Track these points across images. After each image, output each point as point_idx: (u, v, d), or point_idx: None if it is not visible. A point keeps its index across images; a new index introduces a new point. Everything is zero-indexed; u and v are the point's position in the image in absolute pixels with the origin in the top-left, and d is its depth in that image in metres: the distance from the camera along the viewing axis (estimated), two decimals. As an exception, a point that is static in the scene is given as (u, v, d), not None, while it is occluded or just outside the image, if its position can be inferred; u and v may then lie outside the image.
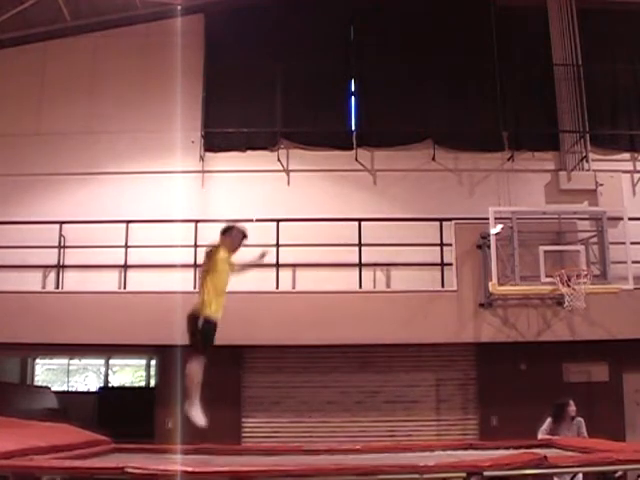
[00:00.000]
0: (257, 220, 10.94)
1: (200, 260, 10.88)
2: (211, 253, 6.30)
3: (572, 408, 8.00)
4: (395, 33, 12.28)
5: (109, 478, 4.76)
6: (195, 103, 12.01)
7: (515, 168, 11.97)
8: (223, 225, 6.59)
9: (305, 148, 12.04)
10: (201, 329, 6.05)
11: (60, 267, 11.22)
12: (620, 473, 5.57)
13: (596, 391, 10.12)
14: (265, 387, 10.46)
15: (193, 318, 6.12)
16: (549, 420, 8.02)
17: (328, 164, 11.92)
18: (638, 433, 10.05)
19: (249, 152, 12.02)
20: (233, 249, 6.48)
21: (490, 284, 9.59)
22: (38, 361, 16.97)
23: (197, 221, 11.09)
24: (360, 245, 10.81)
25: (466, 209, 11.01)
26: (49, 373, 19.48)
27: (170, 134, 11.77)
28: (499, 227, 9.67)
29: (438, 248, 10.84)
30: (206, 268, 6.29)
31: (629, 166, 12.08)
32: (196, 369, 6.14)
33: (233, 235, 6.48)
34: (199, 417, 6.04)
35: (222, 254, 6.31)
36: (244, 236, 6.51)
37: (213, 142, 12.05)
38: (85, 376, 20.20)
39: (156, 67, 12.16)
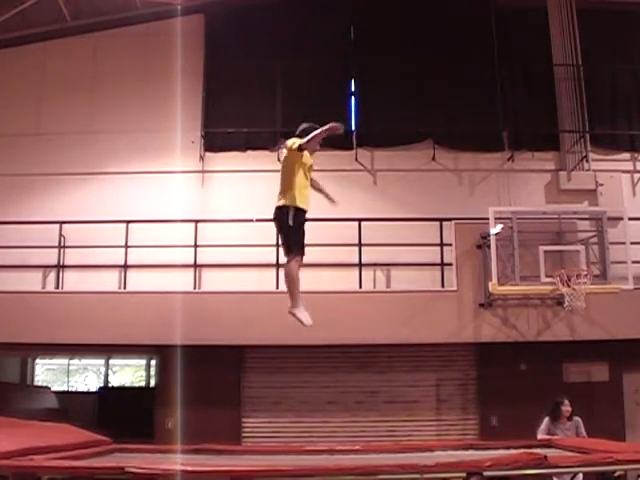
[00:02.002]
0: (257, 220, 10.98)
1: (200, 260, 11.04)
2: (293, 150, 5.99)
3: (566, 408, 7.99)
4: (395, 33, 12.28)
5: (109, 478, 4.76)
6: (195, 103, 12.02)
7: (515, 168, 11.97)
8: (303, 125, 6.27)
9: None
10: (292, 224, 5.91)
11: (60, 267, 11.23)
12: (619, 473, 5.56)
13: (596, 391, 10.12)
14: (265, 387, 10.46)
15: (281, 211, 5.96)
16: (547, 420, 8.02)
17: (328, 164, 11.88)
18: (638, 433, 10.05)
19: (249, 152, 12.02)
20: (312, 150, 6.23)
21: (490, 284, 9.59)
22: (38, 361, 16.94)
23: (197, 221, 11.11)
24: (360, 245, 10.81)
25: (466, 209, 11.01)
26: (49, 373, 19.45)
27: (170, 134, 11.77)
28: (499, 227, 9.67)
29: (438, 248, 10.85)
30: (287, 163, 6.05)
31: (629, 166, 12.08)
32: (292, 269, 6.03)
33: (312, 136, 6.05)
34: (304, 316, 6.02)
35: (299, 154, 6.04)
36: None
37: (213, 142, 12.05)
38: (85, 376, 20.18)
39: (156, 67, 12.16)
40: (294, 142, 6.06)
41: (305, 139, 5.97)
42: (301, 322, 6.04)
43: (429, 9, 12.28)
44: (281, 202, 6.06)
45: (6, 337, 9.72)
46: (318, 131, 5.92)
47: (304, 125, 6.32)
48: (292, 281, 6.03)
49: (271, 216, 11.24)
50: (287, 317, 9.83)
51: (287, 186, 6.06)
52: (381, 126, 11.99)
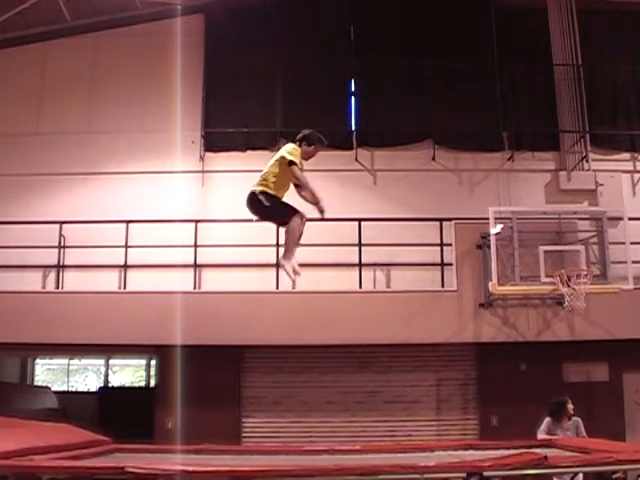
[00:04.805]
0: (257, 220, 10.97)
1: (200, 260, 11.03)
2: (289, 153, 6.01)
3: (571, 406, 8.01)
4: (395, 33, 12.29)
5: (109, 478, 4.76)
6: (195, 103, 12.02)
7: (515, 168, 11.98)
8: (303, 131, 6.30)
9: (305, 148, 12.03)
10: (269, 205, 5.95)
11: (60, 267, 11.23)
12: (619, 474, 5.56)
13: (596, 391, 10.12)
14: (265, 387, 10.45)
15: (254, 201, 6.02)
16: (547, 420, 8.02)
17: (328, 164, 11.89)
18: (638, 433, 10.04)
19: (249, 152, 12.02)
20: (307, 157, 6.25)
21: (490, 284, 9.59)
22: (38, 361, 16.95)
23: (197, 221, 11.11)
24: (360, 245, 10.81)
25: (466, 209, 11.01)
26: (49, 373, 19.46)
27: (170, 134, 11.78)
28: (499, 227, 9.67)
29: (438, 248, 10.85)
30: (278, 164, 6.04)
31: (629, 166, 12.09)
32: (296, 224, 5.97)
33: (312, 144, 6.20)
34: (293, 269, 5.92)
35: (297, 159, 6.05)
36: (322, 145, 6.28)
37: (213, 142, 12.06)
38: (85, 376, 20.19)
39: (156, 67, 12.16)
40: (290, 155, 6.02)
41: (298, 174, 5.98)
42: (289, 275, 6.00)
43: (429, 9, 12.28)
44: (254, 188, 6.07)
45: (6, 337, 9.72)
46: (310, 187, 5.99)
47: (306, 131, 6.32)
48: (293, 236, 6.00)
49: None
50: (287, 317, 9.90)
51: (267, 179, 6.07)
52: (381, 126, 11.99)
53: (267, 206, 5.99)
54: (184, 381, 9.59)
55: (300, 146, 6.20)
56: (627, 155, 12.14)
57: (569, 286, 9.22)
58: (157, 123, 11.91)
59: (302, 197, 6.17)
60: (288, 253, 5.99)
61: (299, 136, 6.27)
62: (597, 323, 9.81)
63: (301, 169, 6.11)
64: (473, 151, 12.03)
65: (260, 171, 12.45)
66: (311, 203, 6.07)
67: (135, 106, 12.13)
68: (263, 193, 5.98)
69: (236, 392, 10.36)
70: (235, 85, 12.15)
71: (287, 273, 5.97)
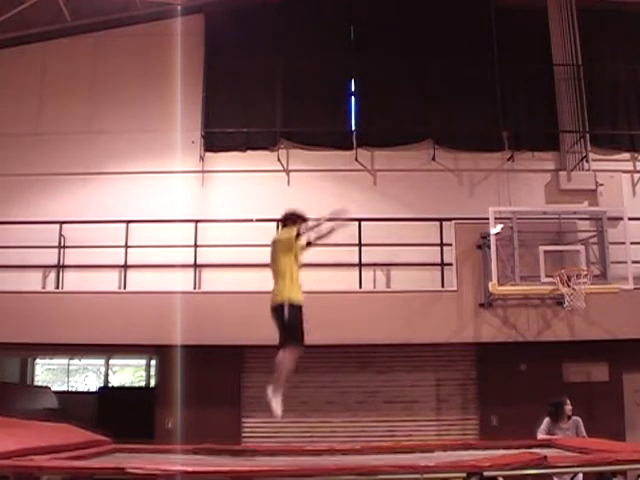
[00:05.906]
0: (257, 220, 10.99)
1: (200, 260, 11.03)
2: (291, 239, 6.05)
3: (569, 407, 8.01)
4: (395, 33, 12.29)
5: (109, 478, 4.76)
6: (195, 103, 12.02)
7: (515, 168, 11.98)
8: (286, 212, 6.36)
9: (305, 148, 12.04)
10: (288, 319, 5.88)
11: (60, 267, 11.23)
12: (619, 477, 5.55)
13: (596, 391, 10.13)
14: (265, 387, 10.42)
15: (277, 309, 5.95)
16: (547, 420, 8.02)
17: (328, 164, 11.93)
18: (638, 433, 10.05)
19: (249, 152, 12.03)
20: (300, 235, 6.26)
21: (490, 284, 9.59)
22: (38, 361, 16.94)
23: (197, 221, 11.11)
24: (360, 245, 10.81)
25: (466, 209, 11.02)
26: (49, 373, 19.45)
27: (170, 134, 11.78)
28: (499, 227, 9.67)
29: (438, 248, 10.85)
30: (284, 255, 6.03)
31: (629, 166, 12.09)
32: (288, 360, 5.95)
33: (298, 222, 6.24)
34: (277, 406, 5.88)
35: (298, 239, 6.12)
36: (304, 220, 6.29)
37: (213, 142, 12.06)
38: (85, 376, 20.18)
39: (156, 67, 12.16)
40: (291, 231, 6.09)
41: (310, 224, 6.10)
42: (272, 410, 5.90)
43: (429, 9, 12.28)
44: (277, 300, 6.01)
45: (6, 337, 9.72)
46: (326, 215, 6.08)
47: (286, 212, 6.36)
48: (282, 371, 5.94)
49: (270, 217, 11.28)
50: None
51: (281, 278, 6.04)
52: (381, 126, 11.99)
53: (285, 320, 5.91)
54: (184, 381, 9.59)
55: (286, 226, 6.24)
56: (627, 155, 12.14)
57: (569, 286, 9.23)
58: (157, 123, 11.91)
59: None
60: (277, 388, 5.93)
61: (282, 217, 6.33)
62: (597, 323, 9.81)
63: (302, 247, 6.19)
64: (473, 151, 12.03)
65: (260, 171, 12.54)
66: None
67: (135, 106, 12.12)
68: (290, 305, 5.93)
69: (236, 392, 10.37)
70: (235, 85, 12.16)
71: (273, 409, 5.87)
